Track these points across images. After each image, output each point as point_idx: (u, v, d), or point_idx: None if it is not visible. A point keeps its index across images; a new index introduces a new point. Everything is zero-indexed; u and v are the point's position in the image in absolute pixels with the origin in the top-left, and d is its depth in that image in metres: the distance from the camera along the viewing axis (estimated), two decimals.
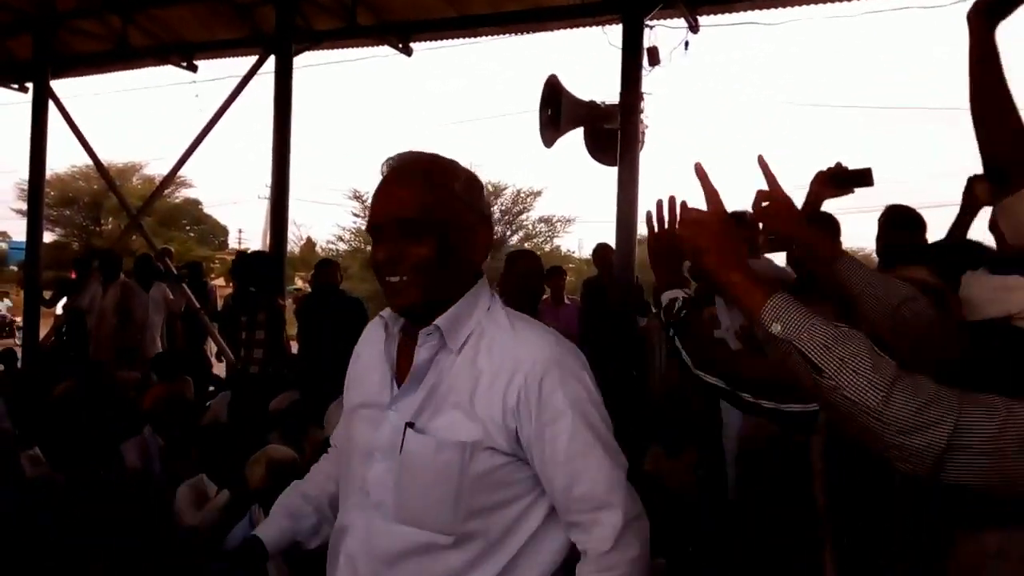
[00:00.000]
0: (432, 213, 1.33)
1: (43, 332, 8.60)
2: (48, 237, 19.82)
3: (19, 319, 15.05)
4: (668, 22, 6.24)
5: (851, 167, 2.24)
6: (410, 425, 1.34)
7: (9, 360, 7.53)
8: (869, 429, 1.08)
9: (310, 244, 30.22)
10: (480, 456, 1.31)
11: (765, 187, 1.80)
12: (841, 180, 2.52)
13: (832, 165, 2.35)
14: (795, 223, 1.76)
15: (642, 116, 6.16)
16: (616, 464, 1.36)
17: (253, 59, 7.69)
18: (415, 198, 1.33)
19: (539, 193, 25.42)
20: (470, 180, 1.43)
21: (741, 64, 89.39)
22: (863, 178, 2.12)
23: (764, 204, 1.79)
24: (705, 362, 1.95)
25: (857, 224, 4.66)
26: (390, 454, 1.35)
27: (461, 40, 7.50)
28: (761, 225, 1.81)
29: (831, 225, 2.94)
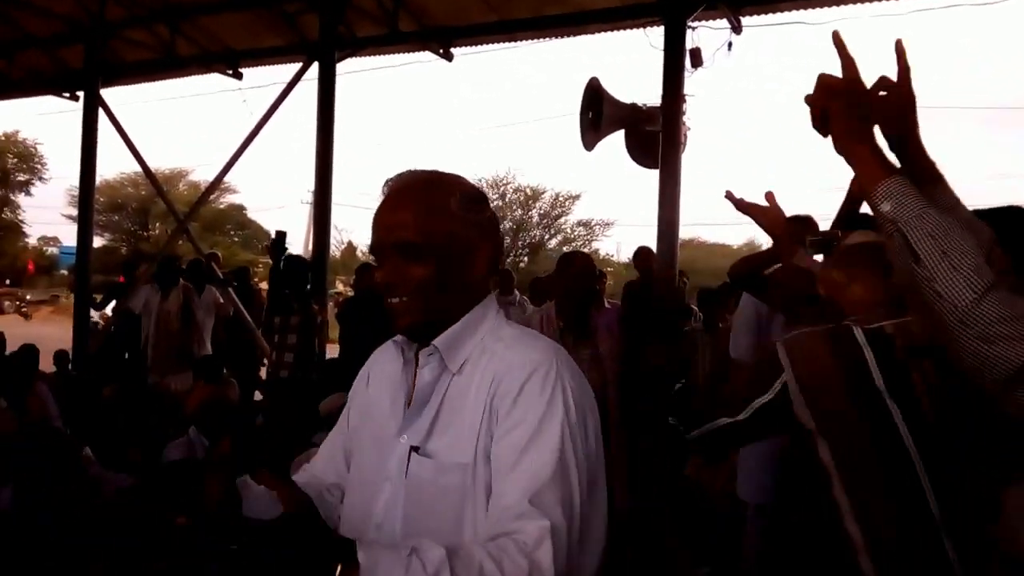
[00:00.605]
0: (429, 235, 1.33)
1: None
2: (98, 242, 20.36)
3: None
4: (711, 23, 6.18)
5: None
6: (415, 449, 1.33)
7: (62, 361, 7.72)
8: (947, 328, 1.05)
9: (351, 248, 30.56)
10: (482, 474, 1.27)
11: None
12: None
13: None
14: (908, 122, 1.46)
15: (684, 118, 6.10)
16: (565, 488, 1.21)
17: (297, 66, 7.79)
18: (411, 220, 1.33)
19: (578, 197, 25.48)
20: (469, 195, 1.39)
21: (785, 64, 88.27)
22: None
23: (882, 93, 1.45)
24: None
25: None
26: (397, 480, 1.34)
27: (501, 44, 7.52)
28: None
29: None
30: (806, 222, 3.20)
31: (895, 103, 1.44)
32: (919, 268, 1.07)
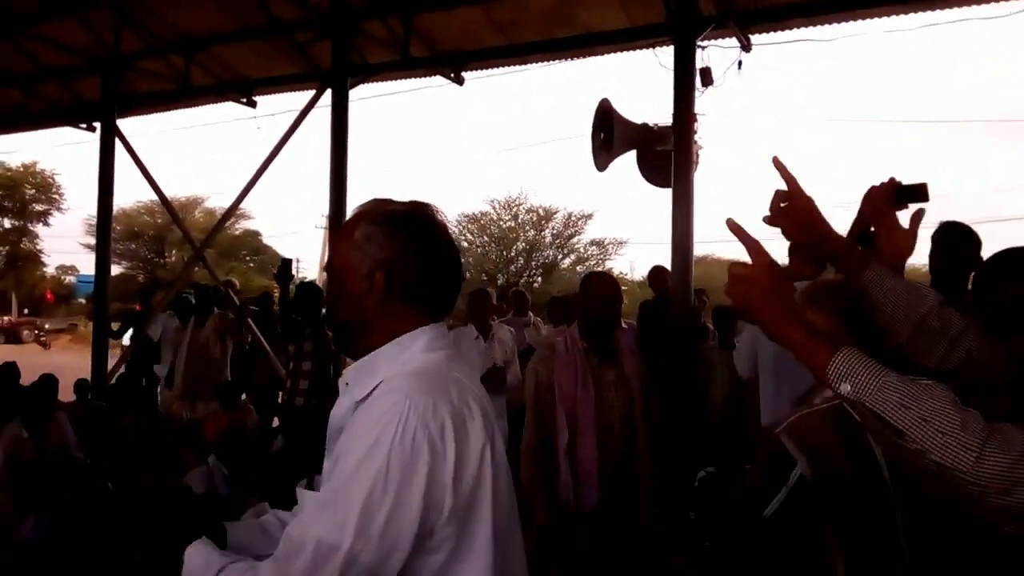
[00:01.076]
0: (331, 262, 1.40)
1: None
2: (115, 270, 20.52)
3: None
4: (720, 42, 6.20)
5: (905, 182, 2.17)
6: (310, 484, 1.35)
7: (82, 390, 7.77)
8: (965, 491, 1.00)
9: None
10: None
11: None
12: (896, 195, 2.44)
13: (885, 180, 2.28)
14: (816, 226, 1.61)
15: (695, 137, 6.11)
16: (340, 533, 1.17)
17: (310, 93, 7.87)
18: (333, 248, 1.42)
19: (590, 216, 25.50)
20: (379, 225, 1.37)
21: (796, 81, 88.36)
22: (918, 193, 2.03)
23: (782, 204, 1.63)
24: None
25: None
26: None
27: (512, 68, 7.57)
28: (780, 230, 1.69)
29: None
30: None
31: (800, 209, 1.57)
32: (905, 442, 1.02)
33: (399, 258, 1.36)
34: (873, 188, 2.72)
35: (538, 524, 3.08)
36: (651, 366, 3.40)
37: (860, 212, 2.83)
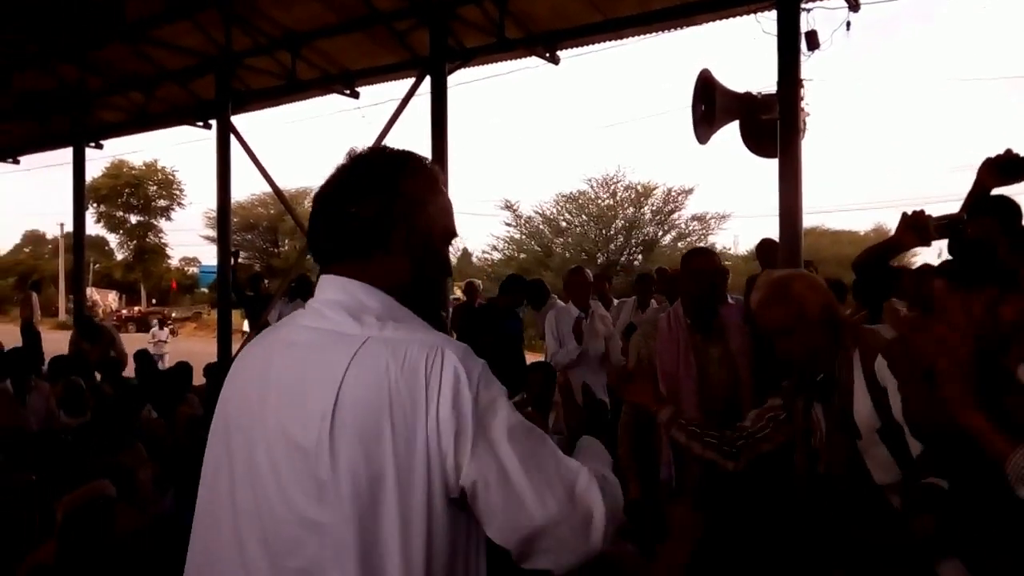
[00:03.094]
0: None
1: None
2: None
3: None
4: (826, 3, 5.94)
5: (1022, 154, 2.05)
6: None
7: (212, 374, 8.23)
8: None
9: (466, 255, 31.11)
10: None
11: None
12: (1010, 167, 2.31)
13: (1002, 152, 2.16)
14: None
15: (802, 104, 5.89)
16: None
17: (410, 81, 8.03)
18: None
19: (691, 191, 24.92)
20: None
21: (908, 41, 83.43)
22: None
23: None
24: None
25: None
26: None
27: (608, 44, 7.48)
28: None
29: (1008, 208, 2.69)
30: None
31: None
32: None
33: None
34: (988, 160, 2.59)
35: (630, 498, 3.10)
36: (760, 343, 3.32)
37: (976, 182, 2.70)
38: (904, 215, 2.73)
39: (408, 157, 1.31)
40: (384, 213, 1.24)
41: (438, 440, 1.12)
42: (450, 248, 1.37)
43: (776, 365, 2.20)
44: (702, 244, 25.00)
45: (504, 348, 5.52)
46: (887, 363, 1.82)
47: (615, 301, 7.29)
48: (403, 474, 1.11)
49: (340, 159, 1.33)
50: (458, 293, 12.09)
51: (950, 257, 2.45)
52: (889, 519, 1.80)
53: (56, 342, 11.20)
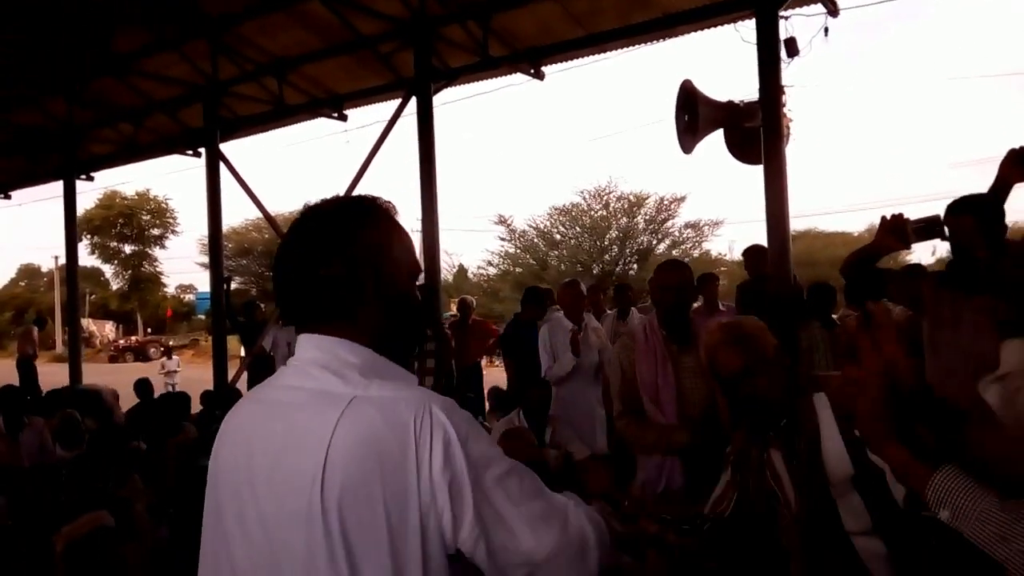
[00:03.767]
0: None
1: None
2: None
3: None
4: (804, 9, 6.01)
5: None
6: None
7: (209, 402, 8.21)
8: None
9: (462, 271, 31.13)
10: None
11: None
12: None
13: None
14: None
15: (785, 110, 5.94)
16: None
17: (396, 102, 8.09)
18: None
19: (683, 199, 24.96)
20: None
21: (896, 41, 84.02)
22: None
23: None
24: None
25: None
26: None
27: (591, 58, 7.54)
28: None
29: (984, 207, 2.71)
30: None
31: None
32: (1009, 570, 1.02)
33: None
34: (1012, 151, 2.63)
35: (684, 444, 2.99)
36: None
37: (999, 176, 2.74)
38: (883, 219, 2.76)
39: (362, 205, 1.31)
40: (351, 269, 1.24)
41: (432, 498, 1.13)
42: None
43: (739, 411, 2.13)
44: (697, 251, 25.08)
45: (531, 363, 5.50)
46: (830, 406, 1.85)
47: (607, 312, 7.31)
48: (397, 533, 1.12)
49: (297, 215, 1.34)
50: (452, 309, 12.09)
51: (948, 262, 2.48)
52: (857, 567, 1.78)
53: (53, 375, 11.17)
